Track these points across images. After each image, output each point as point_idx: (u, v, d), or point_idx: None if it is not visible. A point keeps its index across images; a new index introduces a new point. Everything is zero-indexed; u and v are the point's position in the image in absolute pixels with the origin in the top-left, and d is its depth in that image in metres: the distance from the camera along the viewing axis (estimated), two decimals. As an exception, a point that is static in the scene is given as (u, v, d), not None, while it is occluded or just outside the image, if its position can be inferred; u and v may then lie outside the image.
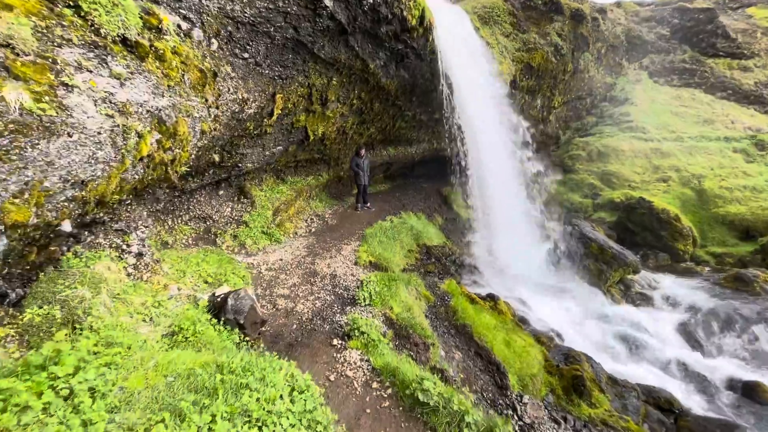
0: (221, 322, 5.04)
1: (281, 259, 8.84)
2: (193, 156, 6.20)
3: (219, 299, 5.19)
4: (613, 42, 23.88)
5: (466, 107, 13.98)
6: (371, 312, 7.03)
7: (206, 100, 6.07)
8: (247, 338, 5.09)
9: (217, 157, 7.91)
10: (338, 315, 6.72)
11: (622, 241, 15.71)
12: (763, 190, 16.55)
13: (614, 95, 23.73)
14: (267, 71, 7.80)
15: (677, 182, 17.89)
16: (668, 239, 15.63)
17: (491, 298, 9.96)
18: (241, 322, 5.04)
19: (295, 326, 6.23)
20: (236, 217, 9.66)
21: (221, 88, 6.50)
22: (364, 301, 7.17)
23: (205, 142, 6.46)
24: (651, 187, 18.05)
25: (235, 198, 10.02)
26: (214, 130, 6.35)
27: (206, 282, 6.32)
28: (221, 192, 9.68)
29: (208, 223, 9.18)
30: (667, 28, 25.37)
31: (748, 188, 16.72)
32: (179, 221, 8.60)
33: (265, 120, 8.37)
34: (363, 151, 13.14)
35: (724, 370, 9.56)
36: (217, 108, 6.35)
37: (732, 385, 9.08)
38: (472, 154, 15.93)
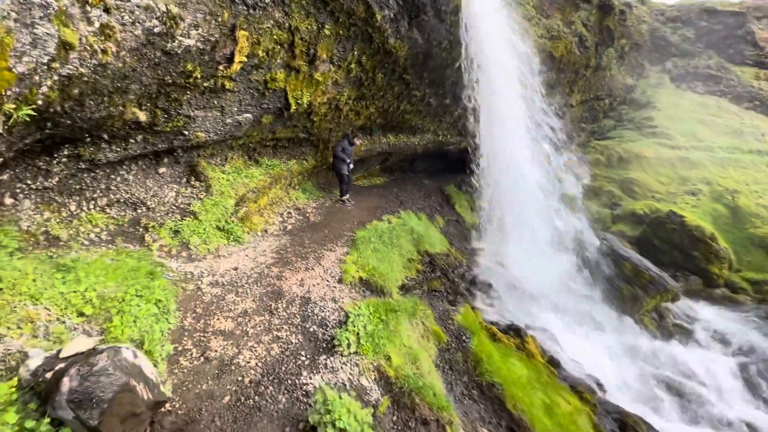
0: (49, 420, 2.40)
1: (236, 269, 6.16)
2: (44, 90, 3.44)
3: (54, 371, 2.53)
4: (638, 40, 21.54)
5: (487, 90, 11.42)
6: (358, 365, 4.44)
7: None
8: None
9: (142, 115, 5.18)
10: (305, 375, 4.10)
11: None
12: (807, 212, 14.35)
13: (635, 98, 21.40)
14: (225, -8, 5.10)
15: (708, 196, 15.61)
16: (701, 260, 13.33)
17: (516, 332, 7.45)
18: (93, 423, 2.39)
19: (226, 400, 3.59)
20: (182, 206, 6.93)
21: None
22: (349, 347, 4.56)
23: (86, 72, 3.70)
24: (678, 200, 15.74)
25: (183, 179, 7.27)
26: (105, 53, 3.65)
27: (81, 315, 3.64)
28: (162, 170, 6.93)
29: (138, 211, 6.44)
30: (693, 30, 23.12)
31: (790, 208, 14.51)
32: (89, 206, 5.84)
33: (221, 67, 5.65)
34: (357, 140, 10.52)
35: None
36: (107, 12, 3.65)
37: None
38: (487, 146, 13.39)
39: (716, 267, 13.11)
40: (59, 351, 2.75)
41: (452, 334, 5.97)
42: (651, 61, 22.61)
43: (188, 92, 5.61)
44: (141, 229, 6.21)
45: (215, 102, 6.24)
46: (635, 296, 10.55)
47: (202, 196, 7.25)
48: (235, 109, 6.76)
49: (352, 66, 8.71)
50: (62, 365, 2.54)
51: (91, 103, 4.09)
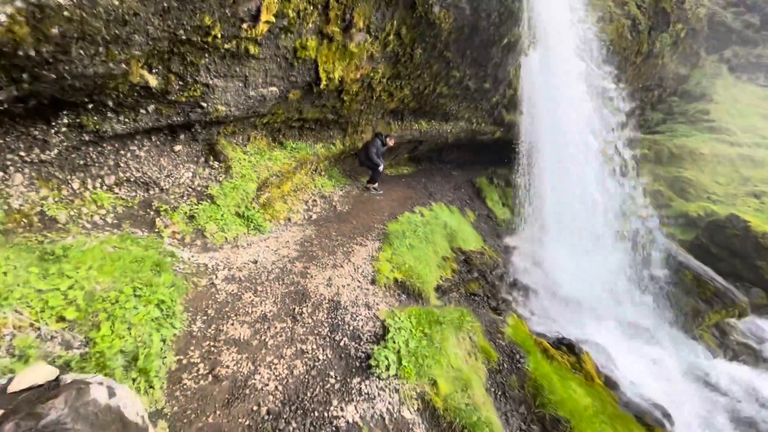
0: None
1: (256, 262, 5.36)
2: (3, 21, 2.64)
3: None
4: (695, 25, 19.52)
5: (542, 72, 10.22)
6: (398, 392, 3.57)
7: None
8: None
9: (152, 79, 4.38)
10: (335, 405, 3.26)
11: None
12: None
13: (687, 89, 19.49)
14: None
15: (773, 200, 13.94)
16: (766, 271, 11.82)
17: (569, 348, 6.43)
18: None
19: (237, 439, 2.78)
20: (198, 188, 6.17)
21: None
22: (388, 369, 3.68)
23: (65, 4, 2.87)
24: (739, 202, 14.12)
25: (201, 159, 6.50)
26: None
27: (62, 319, 2.88)
28: (178, 147, 6.16)
29: (150, 192, 5.70)
30: (758, 16, 20.83)
31: None
32: (95, 185, 5.13)
33: (245, 26, 4.77)
34: (390, 140, 10.21)
35: None
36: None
37: None
38: (531, 134, 12.22)
39: (784, 279, 11.60)
40: (8, 381, 1.96)
41: (503, 352, 5.02)
42: (707, 50, 20.53)
43: (206, 55, 4.76)
44: (152, 213, 5.48)
45: (237, 70, 5.39)
46: (696, 309, 9.30)
47: (221, 179, 6.47)
48: (260, 80, 5.90)
49: (390, 38, 7.70)
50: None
51: (81, 52, 3.29)
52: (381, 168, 9.92)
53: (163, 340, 3.36)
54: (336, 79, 7.28)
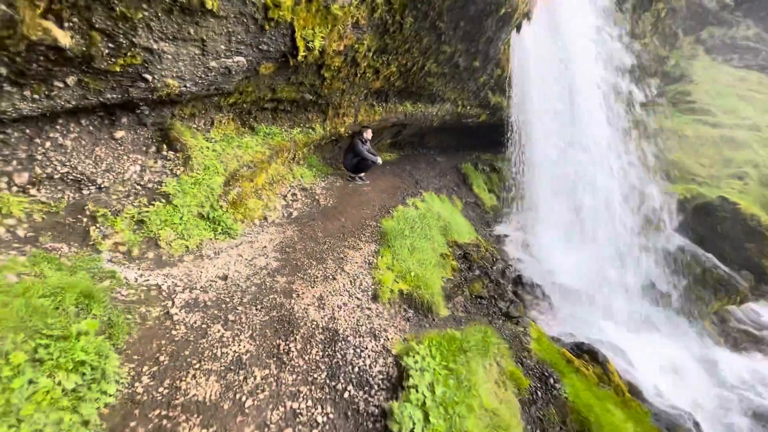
0: None
1: (225, 277, 4.21)
2: None
3: None
4: (675, 5, 19.15)
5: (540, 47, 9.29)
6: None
7: None
8: None
9: (62, 35, 3.08)
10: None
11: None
12: None
13: (666, 71, 19.23)
14: None
15: (756, 181, 13.85)
16: (755, 254, 11.67)
17: (591, 356, 5.68)
18: None
19: None
20: (149, 185, 4.87)
21: None
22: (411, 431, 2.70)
23: None
24: (723, 185, 13.95)
25: (151, 148, 5.17)
26: None
27: None
28: (120, 134, 4.82)
29: (83, 192, 4.38)
30: (732, -4, 20.73)
31: None
32: (-2, 185, 3.78)
33: (197, -32, 3.51)
34: (368, 132, 9.45)
35: None
36: None
37: None
38: (523, 115, 11.40)
39: (772, 261, 11.48)
40: None
41: (533, 374, 4.16)
42: (685, 31, 20.29)
43: (144, 6, 3.47)
44: (86, 220, 4.18)
45: (191, 31, 4.09)
46: (699, 297, 8.88)
47: (178, 172, 5.19)
48: (222, 46, 4.61)
49: (379, 1, 6.50)
50: None
51: None
52: (379, 160, 9.07)
53: (85, 423, 2.22)
54: (316, 49, 6.04)
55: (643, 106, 13.15)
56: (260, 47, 5.18)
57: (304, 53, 5.89)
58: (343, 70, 7.62)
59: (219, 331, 3.35)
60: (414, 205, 8.13)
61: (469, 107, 14.43)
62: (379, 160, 9.21)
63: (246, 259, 4.72)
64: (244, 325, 3.45)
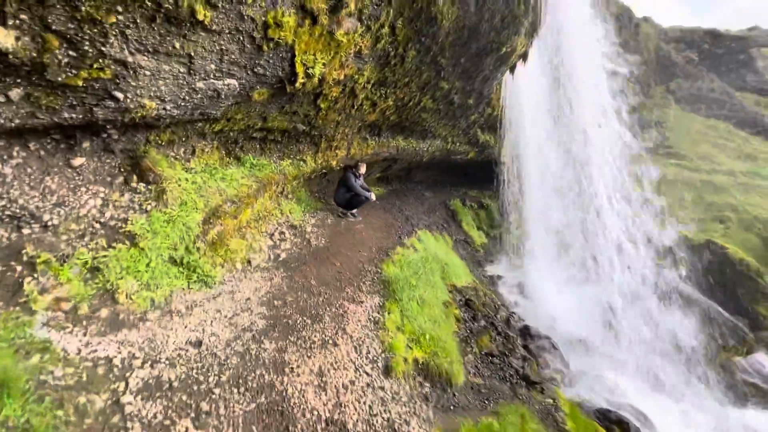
0: None
1: (200, 343, 3.32)
2: None
3: None
4: (646, 57, 20.26)
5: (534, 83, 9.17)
6: None
7: None
8: None
9: (6, 37, 2.36)
10: None
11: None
12: (842, 247, 12.98)
13: (642, 116, 20.00)
14: None
15: (736, 224, 14.03)
16: (747, 300, 11.52)
17: (621, 427, 4.96)
18: None
19: None
20: (111, 223, 3.99)
21: None
22: None
23: None
24: (706, 227, 14.05)
25: (117, 179, 4.33)
26: None
27: None
28: (79, 161, 3.98)
29: (24, 231, 3.47)
30: (696, 51, 22.21)
31: (826, 242, 13.09)
32: None
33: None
34: (364, 167, 9.07)
35: None
36: None
37: None
38: (516, 152, 11.20)
39: (764, 308, 11.32)
40: None
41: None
42: (656, 81, 21.43)
43: (120, 9, 2.79)
44: (20, 268, 3.25)
45: (177, 45, 3.43)
46: (708, 347, 8.42)
47: (149, 208, 4.34)
48: (213, 65, 3.95)
49: (384, 31, 6.10)
50: None
51: None
52: (372, 197, 8.45)
53: None
54: (316, 76, 5.49)
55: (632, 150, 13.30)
56: (255, 70, 4.56)
57: (302, 80, 5.31)
58: (340, 101, 7.10)
59: (188, 430, 2.45)
60: (412, 247, 7.47)
61: (458, 144, 14.28)
62: (373, 197, 8.59)
63: (226, 317, 3.84)
64: (222, 420, 2.57)
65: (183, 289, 4.18)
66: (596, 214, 10.25)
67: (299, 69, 5.08)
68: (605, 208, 10.39)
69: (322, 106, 6.79)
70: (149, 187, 4.45)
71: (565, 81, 9.87)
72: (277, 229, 6.49)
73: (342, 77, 6.22)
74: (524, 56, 9.99)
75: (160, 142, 4.76)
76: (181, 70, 3.72)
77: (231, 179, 5.82)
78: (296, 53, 4.83)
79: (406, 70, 7.63)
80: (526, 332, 7.19)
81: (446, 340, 4.15)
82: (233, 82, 4.41)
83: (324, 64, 5.48)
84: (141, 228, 4.09)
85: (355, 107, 7.72)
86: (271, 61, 4.63)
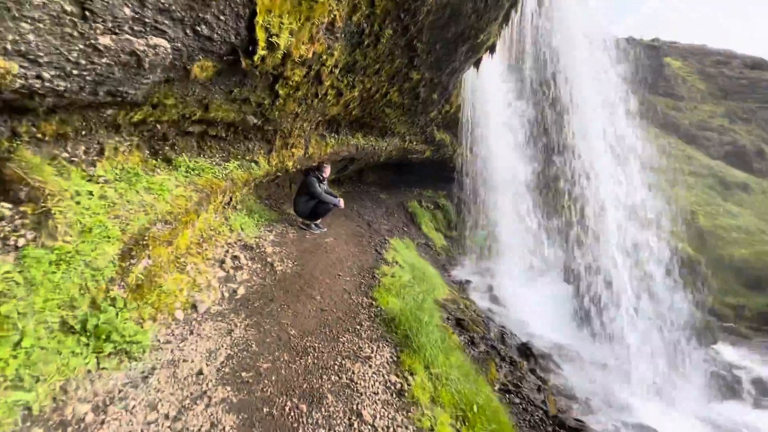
0: None
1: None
2: None
3: None
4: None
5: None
6: None
7: None
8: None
9: None
10: None
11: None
12: (755, 233, 14.48)
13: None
14: None
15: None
16: (689, 287, 12.20)
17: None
18: None
19: None
20: (-60, 277, 2.25)
21: None
22: None
23: None
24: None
25: (-46, 198, 2.57)
26: None
27: None
28: None
29: None
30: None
31: (742, 229, 14.51)
32: None
33: None
34: (329, 169, 7.69)
35: None
36: None
37: None
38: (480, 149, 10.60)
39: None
40: None
41: None
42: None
43: None
44: None
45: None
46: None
47: (20, 242, 2.62)
48: (128, 10, 2.39)
49: (361, 2, 4.82)
50: None
51: None
52: (341, 203, 7.03)
53: None
54: (280, 49, 4.04)
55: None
56: (198, 28, 3.02)
57: (263, 52, 3.84)
58: (302, 88, 5.66)
59: None
60: (396, 263, 6.30)
61: (415, 143, 13.45)
62: (341, 203, 7.23)
63: (168, 417, 2.32)
64: None
65: (88, 372, 2.55)
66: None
67: (260, 34, 3.61)
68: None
69: (281, 92, 5.32)
70: (20, 208, 2.71)
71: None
72: (228, 252, 4.88)
73: (310, 55, 4.81)
74: (492, 48, 9.36)
75: (40, 136, 2.99)
76: (68, 8, 2.12)
77: (161, 189, 4.12)
78: (258, 11, 3.36)
79: (379, 53, 6.41)
80: (527, 352, 6.39)
81: (493, 407, 3.05)
82: (163, 43, 2.84)
83: (291, 33, 4.05)
84: (3, 281, 2.38)
85: (319, 96, 6.33)
86: (222, 18, 3.12)
